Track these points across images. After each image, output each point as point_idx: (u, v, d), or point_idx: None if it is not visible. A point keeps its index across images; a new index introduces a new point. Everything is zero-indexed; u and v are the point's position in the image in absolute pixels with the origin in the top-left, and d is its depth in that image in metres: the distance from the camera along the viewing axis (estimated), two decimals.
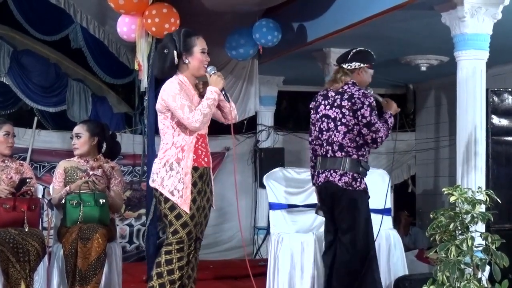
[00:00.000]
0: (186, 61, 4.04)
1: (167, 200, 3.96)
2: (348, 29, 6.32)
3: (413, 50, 7.48)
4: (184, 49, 4.02)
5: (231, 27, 7.43)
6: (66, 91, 8.50)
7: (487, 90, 5.47)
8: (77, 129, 5.03)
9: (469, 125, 5.24)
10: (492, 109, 5.72)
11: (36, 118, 8.33)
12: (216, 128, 8.84)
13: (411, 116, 10.25)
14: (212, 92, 3.98)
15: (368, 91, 4.61)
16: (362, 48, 4.75)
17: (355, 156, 4.53)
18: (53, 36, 8.35)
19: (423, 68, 7.85)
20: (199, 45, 4.04)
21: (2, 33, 8.23)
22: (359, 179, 4.54)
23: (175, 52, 4.01)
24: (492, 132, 5.69)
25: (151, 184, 4.05)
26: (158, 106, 4.05)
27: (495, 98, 5.79)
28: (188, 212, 3.94)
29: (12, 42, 8.28)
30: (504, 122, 5.81)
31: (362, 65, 4.64)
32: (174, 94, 3.93)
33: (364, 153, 4.58)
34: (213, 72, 4.05)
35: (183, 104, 3.91)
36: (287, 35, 7.24)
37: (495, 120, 5.77)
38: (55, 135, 8.29)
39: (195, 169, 4.00)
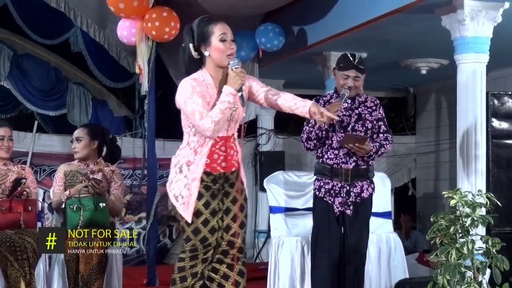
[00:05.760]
0: (206, 53, 3.59)
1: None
2: (348, 32, 6.32)
3: (413, 53, 7.48)
4: (201, 39, 3.60)
5: (231, 30, 7.42)
6: (66, 95, 8.52)
7: (487, 93, 5.47)
8: (77, 132, 5.02)
9: (469, 128, 5.24)
10: (492, 112, 5.72)
11: (36, 122, 8.33)
12: None
13: (411, 119, 10.26)
14: (227, 94, 3.49)
15: (342, 93, 4.43)
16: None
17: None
18: (53, 40, 8.37)
19: (423, 71, 7.85)
20: (217, 32, 3.59)
21: (2, 37, 8.25)
22: (314, 182, 4.62)
23: (190, 45, 3.61)
24: (493, 135, 5.68)
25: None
26: (176, 103, 3.65)
27: (495, 101, 5.78)
28: (189, 221, 3.57)
29: (13, 46, 8.29)
30: (504, 125, 5.81)
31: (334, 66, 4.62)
32: (185, 98, 3.52)
33: (318, 154, 4.58)
34: (235, 67, 3.54)
35: (194, 110, 3.49)
36: (288, 38, 7.24)
37: (496, 123, 5.76)
38: (55, 139, 8.29)
39: (207, 174, 3.61)
